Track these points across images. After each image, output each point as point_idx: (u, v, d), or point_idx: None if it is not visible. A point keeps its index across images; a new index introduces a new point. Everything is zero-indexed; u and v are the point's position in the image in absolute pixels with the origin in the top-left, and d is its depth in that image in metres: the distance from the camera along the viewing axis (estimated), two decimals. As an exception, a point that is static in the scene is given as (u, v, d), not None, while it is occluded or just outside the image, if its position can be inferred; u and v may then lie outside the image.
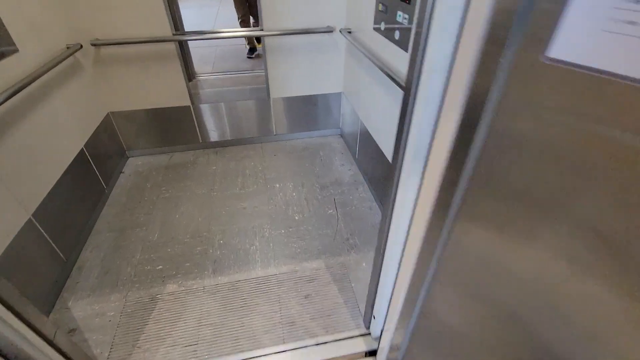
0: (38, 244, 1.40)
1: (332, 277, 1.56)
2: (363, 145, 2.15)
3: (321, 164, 2.35)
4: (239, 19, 3.56)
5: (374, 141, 1.91)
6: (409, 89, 0.70)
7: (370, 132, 1.97)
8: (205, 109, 2.34)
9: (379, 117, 1.80)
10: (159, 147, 2.42)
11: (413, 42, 0.67)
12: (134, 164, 2.34)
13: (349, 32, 2.06)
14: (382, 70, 1.49)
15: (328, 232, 1.81)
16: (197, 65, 3.43)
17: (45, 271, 1.42)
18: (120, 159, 2.29)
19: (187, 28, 3.12)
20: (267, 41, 2.12)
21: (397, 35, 1.41)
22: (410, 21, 1.27)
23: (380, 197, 1.95)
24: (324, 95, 2.45)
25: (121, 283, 1.54)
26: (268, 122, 2.50)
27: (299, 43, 2.16)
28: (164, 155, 2.43)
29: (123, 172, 2.26)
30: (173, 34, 1.97)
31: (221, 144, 2.53)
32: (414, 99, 0.69)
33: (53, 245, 1.48)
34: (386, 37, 1.52)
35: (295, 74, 2.30)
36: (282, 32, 2.04)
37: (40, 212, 1.42)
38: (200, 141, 2.47)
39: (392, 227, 0.92)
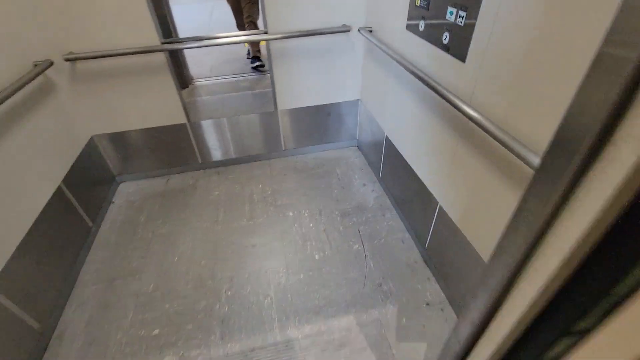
0: (3, 319, 1.12)
1: (366, 339, 1.27)
2: (388, 161, 1.84)
3: (339, 184, 2.04)
4: (245, 20, 3.09)
5: (402, 157, 1.60)
6: (548, 166, 0.37)
7: (398, 147, 1.66)
8: (204, 125, 2.04)
9: (410, 133, 1.49)
10: (153, 170, 2.13)
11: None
12: (126, 191, 2.05)
13: (370, 32, 1.73)
14: (423, 81, 1.18)
15: (356, 275, 1.51)
16: (194, 68, 3.12)
17: (15, 349, 1.14)
18: (109, 186, 2.00)
19: (179, 29, 2.81)
20: (272, 46, 1.80)
21: (445, 38, 1.09)
22: (471, 19, 0.95)
23: (414, 226, 1.64)
24: (339, 104, 2.13)
25: (110, 355, 1.26)
26: (276, 137, 2.20)
27: (310, 46, 1.84)
28: (159, 179, 2.14)
29: (113, 202, 1.97)
30: (162, 43, 1.66)
31: (224, 163, 2.23)
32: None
33: (24, 316, 1.20)
34: (427, 39, 1.20)
35: (306, 82, 1.98)
36: (289, 35, 1.72)
37: (5, 279, 1.14)
38: (200, 161, 2.17)
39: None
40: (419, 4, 1.21)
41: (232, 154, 2.20)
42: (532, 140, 0.80)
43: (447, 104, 1.08)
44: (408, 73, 1.30)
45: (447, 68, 1.12)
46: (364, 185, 2.03)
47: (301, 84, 1.98)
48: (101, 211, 1.85)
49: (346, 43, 1.88)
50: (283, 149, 2.26)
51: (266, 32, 1.74)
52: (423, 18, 1.20)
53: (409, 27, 1.33)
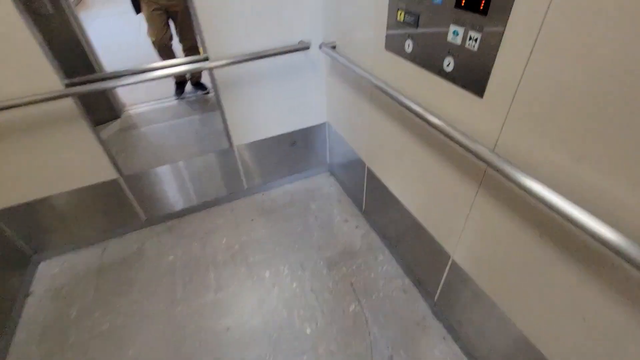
0: None
1: None
2: (372, 194, 1.59)
3: (317, 223, 1.76)
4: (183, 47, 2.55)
5: (389, 191, 1.36)
6: None
7: (382, 179, 1.41)
8: (143, 174, 1.64)
9: (398, 165, 1.24)
10: (83, 238, 1.69)
11: None
12: (48, 274, 1.59)
13: (333, 48, 1.46)
14: (416, 114, 0.92)
15: (359, 349, 1.24)
16: (126, 93, 2.64)
17: None
18: (22, 270, 1.54)
19: (101, 42, 2.38)
20: (217, 75, 1.45)
21: (448, 64, 0.84)
22: (492, 41, 0.70)
23: (412, 268, 1.41)
24: (304, 130, 1.84)
25: None
26: (235, 175, 1.85)
27: (263, 69, 1.52)
28: (93, 250, 1.70)
29: (31, 294, 1.51)
30: (66, 85, 1.25)
31: (176, 215, 1.84)
32: None
33: None
34: (420, 64, 0.95)
35: (263, 111, 1.66)
36: (235, 60, 1.38)
37: None
38: (144, 218, 1.76)
39: None
40: (402, 20, 0.95)
41: (185, 203, 1.82)
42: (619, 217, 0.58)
43: (455, 145, 0.83)
44: (387, 97, 1.04)
45: (452, 101, 0.87)
46: (346, 221, 1.76)
47: (258, 114, 1.65)
48: (13, 314, 1.39)
49: (306, 62, 1.59)
50: (245, 187, 1.92)
51: (207, 59, 1.38)
52: (411, 37, 0.95)
53: (389, 47, 1.07)
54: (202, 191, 1.82)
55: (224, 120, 1.60)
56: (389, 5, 1.00)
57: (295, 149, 1.90)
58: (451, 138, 0.83)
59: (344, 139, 1.71)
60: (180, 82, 2.75)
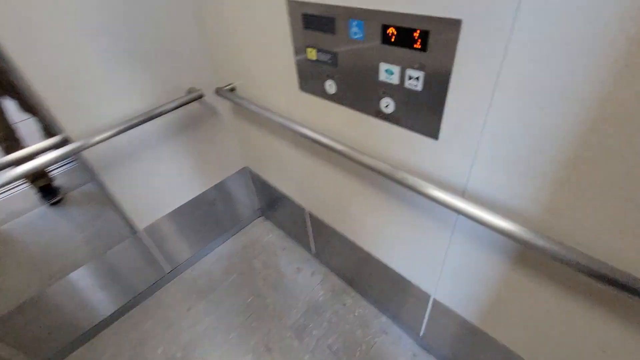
0: None
1: None
2: (319, 236, 1.42)
3: (268, 286, 1.52)
4: None
5: (336, 231, 1.22)
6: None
7: (325, 220, 1.26)
8: (32, 301, 1.17)
9: (345, 207, 1.10)
10: None
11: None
12: None
13: (232, 90, 1.24)
14: (347, 156, 0.78)
15: None
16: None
17: None
18: None
19: None
20: (89, 156, 1.10)
21: (387, 105, 0.71)
22: (439, 79, 0.59)
23: (385, 304, 1.30)
24: (221, 184, 1.57)
25: None
26: (151, 262, 1.48)
27: (151, 132, 1.22)
28: None
29: None
30: None
31: (85, 338, 1.38)
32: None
33: None
34: (350, 106, 0.81)
35: (164, 179, 1.34)
36: (112, 132, 1.05)
37: None
38: (55, 339, 1.28)
39: None
40: (316, 58, 0.80)
41: (93, 319, 1.38)
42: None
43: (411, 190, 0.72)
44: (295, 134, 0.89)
45: (399, 144, 0.75)
46: (299, 270, 1.57)
47: (160, 184, 1.33)
48: None
49: (205, 111, 1.33)
50: (168, 270, 1.57)
51: (66, 141, 1.03)
52: (331, 77, 0.80)
53: (305, 88, 0.90)
54: (113, 297, 1.41)
55: (117, 207, 1.24)
56: (293, 42, 0.83)
57: (217, 207, 1.62)
58: (403, 184, 0.71)
59: (270, 184, 1.50)
60: (43, 185, 1.92)
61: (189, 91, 1.23)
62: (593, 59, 0.42)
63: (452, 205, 0.64)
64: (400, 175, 0.72)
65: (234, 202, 1.69)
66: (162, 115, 1.14)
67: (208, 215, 1.61)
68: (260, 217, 1.87)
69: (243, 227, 1.82)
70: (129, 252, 1.39)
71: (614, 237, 0.52)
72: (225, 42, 1.10)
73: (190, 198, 1.47)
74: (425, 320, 1.12)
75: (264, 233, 1.78)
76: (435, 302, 1.01)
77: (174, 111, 1.18)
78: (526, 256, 0.67)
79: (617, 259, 0.52)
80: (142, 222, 1.35)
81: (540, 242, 0.55)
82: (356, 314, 1.37)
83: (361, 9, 0.62)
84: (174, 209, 1.43)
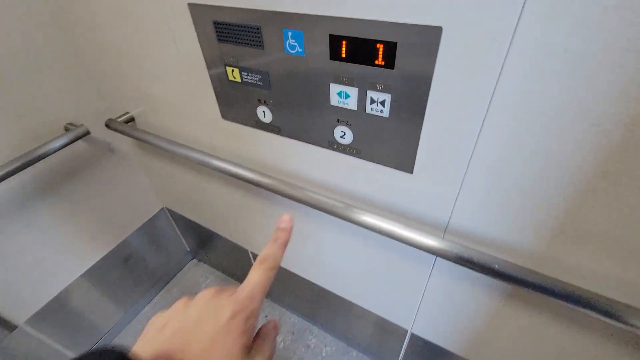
0: None
1: None
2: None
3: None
4: None
5: (292, 272, 1.05)
6: None
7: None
8: None
9: (301, 247, 0.94)
10: None
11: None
12: None
13: (129, 122, 0.96)
14: (293, 198, 0.63)
15: None
16: None
17: None
18: None
19: None
20: None
21: (343, 135, 0.56)
22: (401, 108, 0.46)
23: (355, 339, 1.17)
24: (135, 233, 1.26)
25: None
26: (44, 357, 1.11)
27: (25, 187, 0.88)
28: None
29: None
30: None
31: None
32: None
33: None
34: (290, 136, 0.63)
35: (55, 243, 1.00)
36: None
37: None
38: None
39: None
40: (239, 80, 0.60)
41: None
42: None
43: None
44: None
45: (361, 178, 0.61)
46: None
47: (49, 252, 0.99)
48: None
49: (95, 150, 1.02)
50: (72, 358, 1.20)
51: None
52: (264, 103, 0.61)
53: (229, 116, 0.70)
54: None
55: (-25, 303, 0.87)
56: (205, 60, 0.62)
57: (135, 262, 1.30)
58: (366, 226, 0.57)
59: (197, 222, 1.25)
60: None
61: (66, 128, 0.92)
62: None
63: (429, 248, 0.53)
64: (361, 216, 0.57)
65: (156, 250, 1.38)
66: (25, 168, 0.81)
67: (126, 275, 1.28)
68: (193, 260, 1.58)
69: (174, 275, 1.52)
70: (10, 352, 1.00)
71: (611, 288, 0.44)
72: (107, 61, 0.83)
73: (96, 260, 1.14)
74: (402, 354, 1.01)
75: (200, 277, 1.51)
76: (413, 336, 0.90)
77: (52, 156, 0.86)
78: (515, 290, 0.59)
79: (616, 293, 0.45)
80: (24, 314, 0.98)
81: (536, 281, 0.46)
82: (323, 354, 1.22)
83: (299, 14, 0.45)
84: (71, 281, 1.09)
